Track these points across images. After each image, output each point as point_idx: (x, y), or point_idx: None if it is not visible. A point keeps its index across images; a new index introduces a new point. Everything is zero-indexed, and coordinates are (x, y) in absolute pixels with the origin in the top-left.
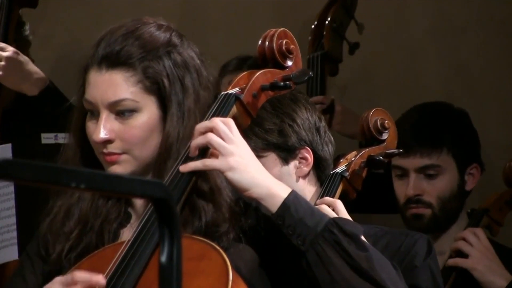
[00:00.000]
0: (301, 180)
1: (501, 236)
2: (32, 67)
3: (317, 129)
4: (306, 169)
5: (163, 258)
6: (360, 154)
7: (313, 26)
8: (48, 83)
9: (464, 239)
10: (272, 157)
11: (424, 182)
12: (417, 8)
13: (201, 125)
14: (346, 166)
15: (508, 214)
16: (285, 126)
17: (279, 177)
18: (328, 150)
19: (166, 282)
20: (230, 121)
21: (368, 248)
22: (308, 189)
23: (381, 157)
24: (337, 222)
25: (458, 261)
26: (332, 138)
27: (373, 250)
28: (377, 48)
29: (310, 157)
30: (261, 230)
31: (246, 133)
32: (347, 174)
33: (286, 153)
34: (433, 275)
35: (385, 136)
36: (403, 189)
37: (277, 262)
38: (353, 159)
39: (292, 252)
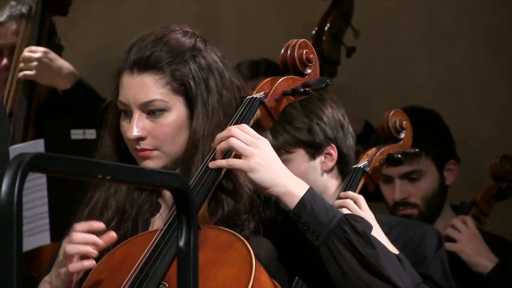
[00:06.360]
0: (325, 174)
1: (488, 225)
2: (63, 62)
3: (342, 126)
4: (330, 164)
5: (181, 243)
6: (380, 151)
7: (313, 32)
8: (80, 77)
9: (453, 227)
10: (300, 152)
11: (409, 186)
12: (409, 15)
13: (220, 134)
14: (367, 161)
15: (494, 206)
16: (313, 125)
17: (306, 171)
18: (350, 144)
19: (184, 264)
20: (244, 125)
21: (375, 246)
22: (331, 183)
23: (399, 155)
24: (348, 220)
25: (448, 245)
26: (352, 131)
27: (380, 247)
28: (372, 52)
29: (334, 152)
30: (279, 223)
31: (277, 130)
32: (368, 169)
33: (314, 150)
34: (443, 267)
35: (402, 135)
36: (390, 193)
37: (293, 254)
38: (373, 155)
39: (307, 247)
